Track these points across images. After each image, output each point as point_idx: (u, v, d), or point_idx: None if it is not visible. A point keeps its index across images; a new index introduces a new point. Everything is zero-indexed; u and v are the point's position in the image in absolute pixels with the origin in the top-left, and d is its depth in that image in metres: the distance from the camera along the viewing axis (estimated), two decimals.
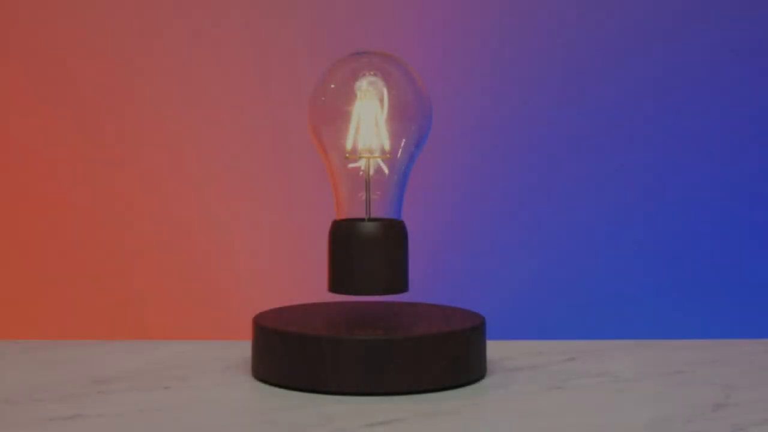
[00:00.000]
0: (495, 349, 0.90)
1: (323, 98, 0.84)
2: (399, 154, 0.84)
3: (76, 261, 1.05)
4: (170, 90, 1.05)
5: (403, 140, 0.84)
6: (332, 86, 0.85)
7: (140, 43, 1.05)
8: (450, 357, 0.79)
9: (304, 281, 1.01)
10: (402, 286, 0.82)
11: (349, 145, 0.83)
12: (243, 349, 0.89)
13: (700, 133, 1.05)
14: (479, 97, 1.04)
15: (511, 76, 1.05)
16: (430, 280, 1.02)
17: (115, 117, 1.05)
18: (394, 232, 0.82)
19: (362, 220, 0.83)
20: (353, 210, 0.84)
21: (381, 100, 0.83)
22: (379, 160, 0.84)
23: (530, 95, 1.05)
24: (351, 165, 0.84)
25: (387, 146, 0.84)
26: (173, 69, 1.05)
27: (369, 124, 0.83)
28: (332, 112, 0.84)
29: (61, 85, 1.05)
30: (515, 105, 1.05)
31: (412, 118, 0.84)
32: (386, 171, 0.84)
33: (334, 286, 0.82)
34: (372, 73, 0.84)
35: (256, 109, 1.04)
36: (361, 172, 0.84)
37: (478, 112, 1.05)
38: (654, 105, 1.05)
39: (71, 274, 1.05)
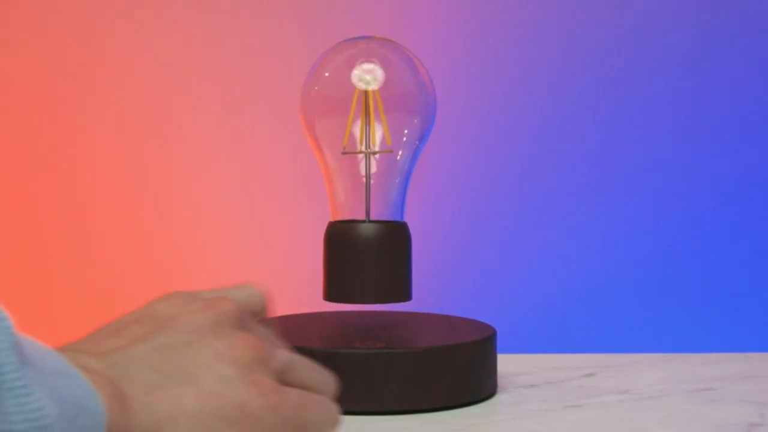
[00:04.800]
0: (506, 364, 0.87)
1: (316, 88, 0.81)
2: (401, 150, 0.81)
3: (68, 264, 1.02)
4: (155, 83, 1.02)
5: (405, 134, 0.81)
6: (326, 75, 0.81)
7: (126, 34, 1.02)
8: (457, 372, 0.75)
9: (297, 289, 0.99)
10: (404, 294, 0.79)
11: (345, 140, 0.80)
12: None
13: (727, 135, 1.03)
14: (489, 88, 1.02)
15: (525, 66, 1.02)
16: (436, 288, 1.00)
17: (104, 114, 1.02)
18: (396, 235, 0.78)
19: (361, 221, 0.79)
20: (350, 211, 0.81)
21: (380, 90, 0.80)
22: (378, 156, 0.80)
23: (548, 89, 1.02)
24: (348, 161, 0.81)
25: (388, 141, 0.80)
26: (157, 60, 1.02)
27: (367, 117, 0.79)
28: (326, 104, 0.81)
29: (47, 82, 1.02)
30: (530, 98, 1.02)
31: (415, 110, 0.81)
32: (386, 168, 0.81)
33: (330, 294, 0.79)
34: (370, 60, 0.80)
35: (245, 102, 1.02)
36: (359, 171, 0.80)
37: (487, 105, 1.02)
38: (671, 105, 1.03)
39: (63, 277, 1.02)
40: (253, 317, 0.54)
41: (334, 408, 0.51)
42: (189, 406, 0.44)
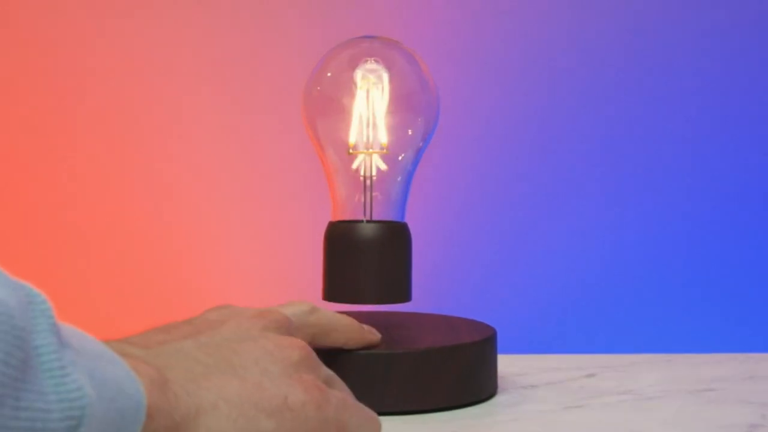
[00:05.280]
0: (507, 364, 0.86)
1: (319, 88, 0.80)
2: (402, 150, 0.80)
3: (68, 264, 1.02)
4: (155, 83, 1.02)
5: (407, 135, 0.80)
6: (329, 74, 0.80)
7: (126, 34, 1.02)
8: (457, 373, 0.74)
9: (297, 289, 0.98)
10: (404, 295, 0.78)
11: (347, 140, 0.79)
12: None
13: (727, 136, 1.03)
14: (489, 88, 1.01)
15: (527, 67, 1.02)
16: (436, 288, 0.99)
17: (104, 114, 1.02)
18: (396, 236, 0.78)
19: (361, 221, 0.78)
20: (351, 211, 0.80)
21: (383, 90, 0.79)
22: (380, 156, 0.79)
23: (548, 90, 1.02)
24: (351, 161, 0.80)
25: (388, 141, 0.79)
26: (157, 60, 1.02)
27: (369, 117, 0.79)
28: (329, 103, 0.80)
29: (47, 82, 1.02)
30: (532, 99, 1.02)
31: (417, 111, 0.80)
32: (386, 168, 0.80)
33: (330, 294, 0.78)
34: (373, 59, 0.80)
35: (246, 102, 1.02)
36: (360, 173, 0.79)
37: (490, 106, 1.02)
38: (671, 105, 1.03)
39: (63, 277, 1.02)
40: (302, 332, 0.55)
41: (375, 416, 0.51)
42: (231, 395, 0.44)
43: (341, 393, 0.50)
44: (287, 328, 0.51)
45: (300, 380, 0.47)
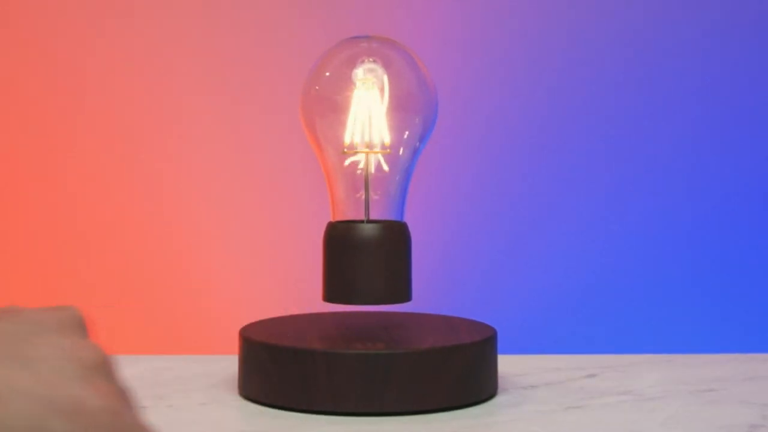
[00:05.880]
0: (507, 365, 0.86)
1: (317, 87, 0.80)
2: (401, 150, 0.80)
3: (67, 265, 1.02)
4: (155, 83, 1.01)
5: (406, 134, 0.80)
6: (327, 74, 0.80)
7: (127, 34, 1.02)
8: (457, 373, 0.74)
9: (296, 289, 0.99)
10: (404, 295, 0.78)
11: (346, 139, 0.79)
12: (229, 364, 0.85)
13: (728, 136, 1.03)
14: (490, 88, 1.01)
15: (527, 66, 1.01)
16: (436, 289, 0.99)
17: (104, 115, 1.02)
18: (396, 236, 0.78)
19: (360, 221, 0.79)
20: (350, 211, 0.80)
21: (381, 90, 0.79)
22: (379, 156, 0.79)
23: (549, 89, 1.02)
24: (348, 161, 0.80)
25: (387, 140, 0.80)
26: (157, 59, 1.01)
27: (367, 116, 0.79)
28: (327, 103, 0.80)
29: (47, 82, 1.02)
30: (532, 98, 1.02)
31: (416, 110, 0.80)
32: (386, 167, 0.80)
33: (330, 295, 0.78)
34: (371, 59, 0.79)
35: (245, 101, 1.01)
36: (359, 171, 0.80)
37: (491, 105, 1.01)
38: (672, 106, 1.02)
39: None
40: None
41: None
42: (20, 387, 0.41)
43: (135, 411, 0.47)
44: (83, 326, 0.48)
45: (96, 386, 0.43)
